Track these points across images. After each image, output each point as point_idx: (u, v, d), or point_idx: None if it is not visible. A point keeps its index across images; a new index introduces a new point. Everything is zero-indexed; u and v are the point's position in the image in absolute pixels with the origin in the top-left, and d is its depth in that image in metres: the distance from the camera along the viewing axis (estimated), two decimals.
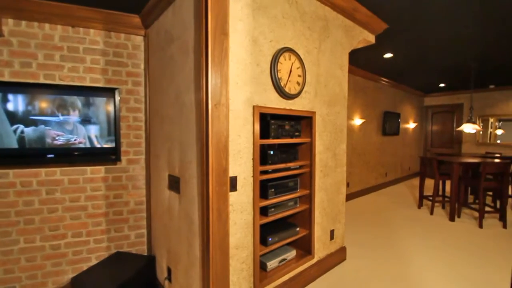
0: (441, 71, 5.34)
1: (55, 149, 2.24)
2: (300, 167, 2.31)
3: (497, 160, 4.18)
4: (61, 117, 2.24)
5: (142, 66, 2.59)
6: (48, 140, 2.21)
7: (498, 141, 7.13)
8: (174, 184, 2.06)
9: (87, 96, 2.33)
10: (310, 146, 2.31)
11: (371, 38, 3.00)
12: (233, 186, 1.75)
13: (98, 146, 2.39)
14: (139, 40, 2.56)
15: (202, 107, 1.56)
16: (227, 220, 1.65)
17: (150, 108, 2.56)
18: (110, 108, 2.42)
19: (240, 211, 1.81)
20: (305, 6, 2.18)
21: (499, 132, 7.10)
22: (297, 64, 2.10)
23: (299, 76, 2.12)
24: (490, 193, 4.94)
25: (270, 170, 2.06)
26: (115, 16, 2.40)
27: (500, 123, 7.09)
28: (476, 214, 4.28)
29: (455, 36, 3.38)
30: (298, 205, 2.32)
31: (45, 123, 2.19)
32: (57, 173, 2.32)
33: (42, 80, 2.23)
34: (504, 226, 3.74)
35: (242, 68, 1.76)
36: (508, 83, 6.46)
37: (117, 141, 2.45)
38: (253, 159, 1.86)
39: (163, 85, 2.24)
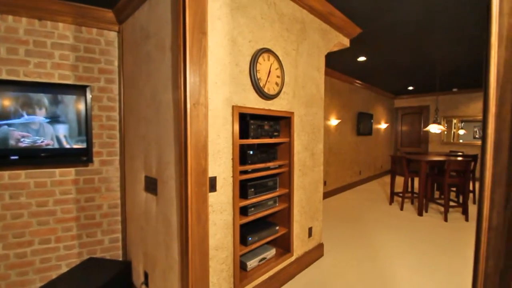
0: (410, 74, 5.66)
1: (20, 150, 2.08)
2: (279, 166, 2.35)
3: (459, 158, 4.52)
4: (26, 116, 2.09)
5: (116, 63, 2.49)
6: (12, 142, 2.05)
7: (461, 141, 7.70)
8: (151, 185, 2.01)
9: (55, 94, 2.19)
10: (289, 146, 2.35)
11: (346, 42, 3.11)
12: (213, 187, 1.73)
13: (68, 146, 2.26)
14: (112, 35, 2.46)
15: (180, 107, 1.53)
16: (207, 221, 1.63)
17: (125, 107, 2.47)
18: (81, 106, 2.29)
19: (220, 211, 1.80)
20: (283, 8, 2.21)
21: (461, 132, 7.66)
22: (275, 65, 2.13)
23: (277, 77, 2.15)
24: (454, 189, 5.32)
25: (249, 170, 2.07)
26: (86, 10, 2.28)
27: (462, 124, 7.66)
28: (442, 208, 4.59)
29: (422, 42, 3.60)
30: (277, 204, 2.35)
31: (8, 123, 2.04)
32: (22, 176, 2.16)
33: (4, 76, 2.07)
34: (467, 219, 4.04)
35: (221, 67, 1.75)
36: (469, 87, 6.99)
37: (89, 141, 2.33)
38: (232, 159, 1.85)
39: (139, 83, 2.16)
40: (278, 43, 2.18)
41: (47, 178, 2.25)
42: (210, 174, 1.71)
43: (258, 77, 1.97)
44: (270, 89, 2.08)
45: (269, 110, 2.12)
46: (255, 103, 2.01)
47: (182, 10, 1.48)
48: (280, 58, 2.19)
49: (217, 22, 1.71)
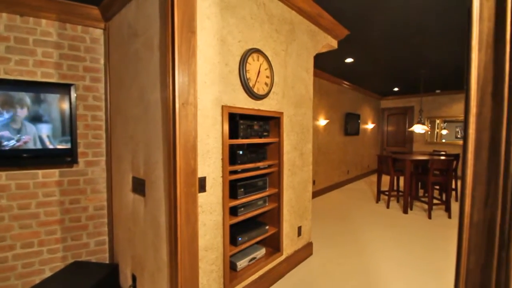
0: (395, 76, 5.80)
1: (0, 151, 2.00)
2: (269, 166, 2.36)
3: (442, 158, 4.67)
4: (6, 116, 2.01)
5: (102, 61, 2.43)
6: None
7: (443, 140, 7.96)
8: (139, 186, 1.97)
9: (38, 93, 2.12)
10: (278, 146, 2.37)
11: (334, 44, 3.16)
12: (202, 187, 1.72)
13: (51, 147, 2.19)
14: (98, 33, 2.40)
15: (169, 106, 1.51)
16: (196, 222, 1.62)
17: (111, 106, 2.41)
18: (65, 105, 2.23)
19: (210, 212, 1.79)
20: (273, 9, 2.22)
21: (444, 132, 7.92)
22: (265, 65, 2.13)
23: (267, 77, 2.16)
24: (438, 187, 5.49)
25: (239, 170, 2.07)
26: (71, 7, 2.22)
27: (445, 124, 7.92)
28: (426, 206, 4.73)
29: (407, 45, 3.70)
30: (267, 204, 2.36)
31: None
32: (3, 177, 2.08)
33: None
34: (449, 216, 4.18)
35: (211, 67, 1.74)
36: (451, 88, 7.24)
37: (73, 141, 2.27)
38: (222, 159, 1.85)
39: (126, 82, 2.12)
40: (267, 43, 2.19)
41: (29, 180, 2.17)
42: (200, 174, 1.69)
43: (248, 77, 1.98)
44: (259, 89, 2.09)
45: (259, 110, 2.12)
46: (244, 103, 2.01)
47: (170, 9, 1.46)
48: (270, 59, 2.20)
49: (206, 21, 1.70)
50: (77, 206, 2.36)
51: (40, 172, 2.21)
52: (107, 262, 2.52)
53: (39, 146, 2.14)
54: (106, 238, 2.51)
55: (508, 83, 0.54)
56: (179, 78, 1.48)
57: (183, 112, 1.51)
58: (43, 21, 2.17)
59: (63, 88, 2.21)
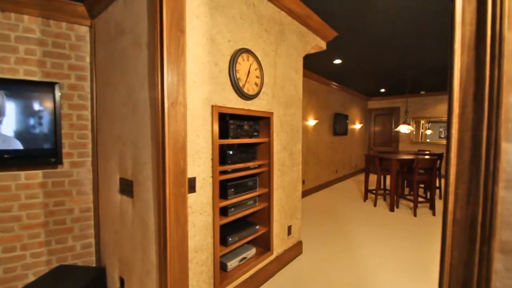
0: (382, 78, 5.93)
1: None
2: (259, 166, 2.36)
3: (427, 157, 4.80)
4: None
5: (88, 59, 2.37)
6: None
7: (428, 140, 8.19)
8: (127, 187, 1.94)
9: (21, 91, 2.04)
10: (268, 146, 2.37)
11: (323, 45, 3.20)
12: (192, 187, 1.71)
13: (34, 147, 2.11)
14: (84, 30, 2.34)
15: (157, 106, 1.49)
16: (186, 223, 1.60)
17: (98, 106, 2.35)
18: (49, 104, 2.16)
19: (200, 212, 1.77)
20: (262, 10, 2.23)
21: (428, 132, 8.15)
22: (255, 65, 2.14)
23: (257, 77, 2.16)
24: (422, 185, 5.65)
25: (229, 170, 2.07)
26: (55, 3, 2.15)
27: (429, 124, 8.16)
28: (411, 204, 4.86)
29: (393, 48, 3.78)
30: (257, 204, 2.37)
31: None
32: None
33: None
34: (434, 214, 4.31)
35: (200, 66, 1.73)
36: (435, 90, 7.46)
37: (58, 141, 2.20)
38: (212, 159, 1.84)
39: (113, 81, 2.08)
40: (257, 43, 2.19)
41: (11, 182, 2.09)
42: (189, 174, 1.68)
43: (238, 77, 1.97)
44: (249, 89, 2.09)
45: (249, 110, 2.13)
46: (234, 103, 2.00)
47: (159, 7, 1.45)
48: (260, 59, 2.20)
49: (195, 20, 1.68)
50: (62, 208, 2.30)
51: (22, 173, 2.13)
52: (94, 265, 2.45)
53: (21, 146, 2.06)
54: (92, 240, 2.45)
55: (488, 85, 0.56)
56: (168, 77, 1.47)
57: (172, 112, 1.49)
58: (26, 17, 2.10)
59: (47, 87, 2.14)
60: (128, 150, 1.92)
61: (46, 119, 2.15)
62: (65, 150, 2.28)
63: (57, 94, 2.17)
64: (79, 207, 2.37)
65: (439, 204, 4.75)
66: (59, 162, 2.22)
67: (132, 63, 1.83)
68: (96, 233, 2.44)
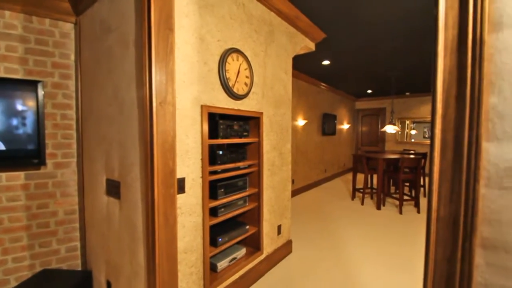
0: (369, 79, 6.05)
1: None
2: (249, 166, 2.36)
3: (412, 156, 4.93)
4: None
5: (73, 57, 2.30)
6: None
7: (412, 140, 8.42)
8: (114, 189, 1.89)
9: (1, 90, 1.96)
10: (258, 146, 2.38)
11: (312, 46, 3.23)
12: (181, 188, 1.69)
13: (15, 148, 2.04)
14: (68, 27, 2.27)
15: (145, 105, 1.47)
16: (175, 224, 1.58)
17: (83, 105, 2.29)
18: (32, 103, 2.08)
19: (189, 213, 1.76)
20: (252, 10, 2.23)
21: (413, 132, 8.38)
22: (244, 65, 2.14)
23: (246, 77, 2.16)
24: (408, 184, 5.80)
25: (219, 170, 2.06)
26: None
27: (414, 125, 8.38)
28: (397, 202, 4.98)
29: (379, 50, 3.87)
30: (247, 204, 2.37)
31: None
32: None
33: None
34: (418, 211, 4.44)
35: (189, 66, 1.71)
36: (420, 91, 7.67)
37: (41, 142, 2.13)
38: (201, 159, 1.83)
39: (99, 80, 2.03)
40: (247, 43, 2.19)
41: None
42: (179, 175, 1.66)
43: (227, 76, 1.97)
44: (239, 89, 2.09)
45: (239, 110, 2.12)
46: (224, 103, 2.00)
47: (147, 4, 1.42)
48: (249, 59, 2.21)
49: (184, 19, 1.67)
50: (45, 210, 2.22)
51: (3, 175, 2.05)
52: (80, 269, 2.39)
53: (1, 147, 1.98)
54: (78, 244, 2.38)
55: (470, 86, 0.59)
56: (156, 76, 1.45)
57: (161, 111, 1.47)
58: (7, 12, 2.02)
59: (30, 85, 2.07)
60: (115, 151, 1.88)
61: (30, 119, 2.08)
62: (48, 150, 2.21)
63: (40, 92, 2.10)
64: (63, 209, 2.30)
65: (423, 202, 4.89)
66: (42, 163, 2.14)
67: (119, 61, 1.80)
68: (82, 236, 2.37)
